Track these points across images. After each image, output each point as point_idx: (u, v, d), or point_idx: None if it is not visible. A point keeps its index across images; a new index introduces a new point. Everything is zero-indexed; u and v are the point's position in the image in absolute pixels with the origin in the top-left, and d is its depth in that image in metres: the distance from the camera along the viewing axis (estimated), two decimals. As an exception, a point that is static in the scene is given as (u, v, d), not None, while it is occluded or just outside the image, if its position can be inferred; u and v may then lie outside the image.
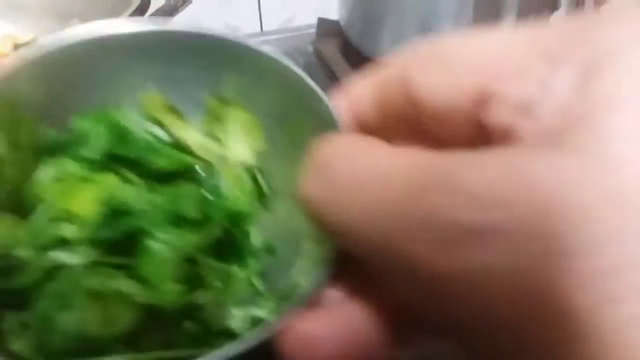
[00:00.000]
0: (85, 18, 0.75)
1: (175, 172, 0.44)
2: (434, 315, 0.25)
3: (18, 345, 0.35)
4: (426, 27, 0.74)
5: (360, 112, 0.38)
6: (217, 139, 0.48)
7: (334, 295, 0.35)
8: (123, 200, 0.36)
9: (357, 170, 0.26)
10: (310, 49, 0.87)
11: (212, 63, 0.45)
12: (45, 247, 0.36)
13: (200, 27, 0.44)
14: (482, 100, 0.28)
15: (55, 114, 0.44)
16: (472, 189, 0.20)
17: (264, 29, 0.96)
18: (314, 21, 0.88)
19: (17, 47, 0.80)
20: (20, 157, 0.40)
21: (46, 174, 0.40)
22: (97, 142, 0.39)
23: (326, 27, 0.88)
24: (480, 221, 0.20)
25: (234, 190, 0.47)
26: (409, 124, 0.34)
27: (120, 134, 0.40)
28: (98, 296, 0.35)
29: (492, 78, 0.27)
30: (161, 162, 0.41)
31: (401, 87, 0.32)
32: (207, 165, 0.47)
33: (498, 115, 0.27)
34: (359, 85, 0.38)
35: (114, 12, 0.65)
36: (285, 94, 0.44)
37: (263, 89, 0.46)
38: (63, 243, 0.36)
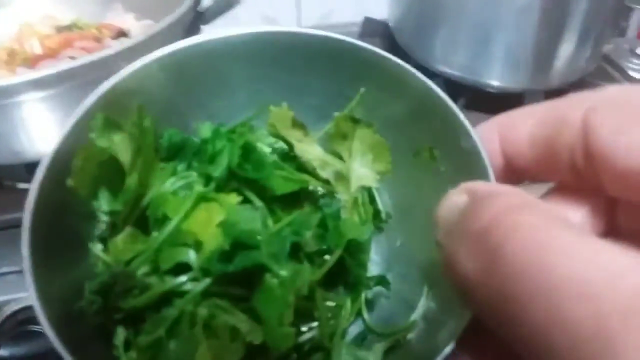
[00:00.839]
0: (127, 3, 0.72)
1: (295, 193, 0.42)
2: None
3: None
4: (483, 37, 0.68)
5: (512, 146, 0.34)
6: (340, 158, 0.45)
7: None
8: (246, 231, 0.33)
9: (536, 262, 0.22)
10: (352, 48, 0.82)
11: (340, 72, 0.42)
12: (164, 270, 0.35)
13: (334, 34, 0.41)
14: None
15: (176, 113, 0.43)
16: None
17: (301, 23, 0.89)
18: (355, 18, 0.81)
19: (58, 29, 0.74)
20: (143, 162, 0.39)
21: (169, 186, 0.39)
22: (226, 160, 0.37)
23: (372, 27, 0.81)
24: None
25: (353, 217, 0.44)
26: (573, 172, 0.29)
27: (248, 154, 0.37)
28: (211, 329, 0.33)
29: None
30: (283, 187, 0.39)
31: (578, 134, 0.27)
32: (328, 186, 0.44)
33: None
34: (517, 118, 0.34)
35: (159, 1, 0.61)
36: (419, 114, 0.41)
37: (394, 106, 0.43)
38: (182, 268, 0.35)
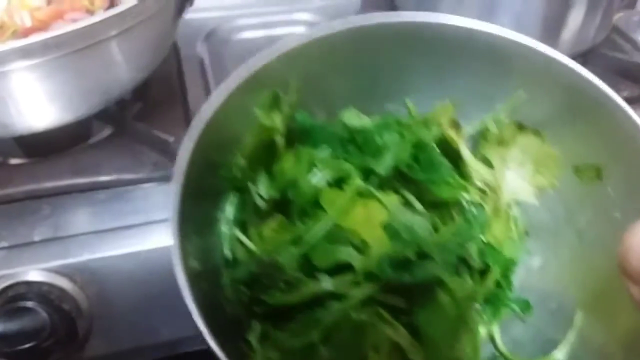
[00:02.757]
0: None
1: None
2: None
3: None
4: (489, 6, 0.64)
5: None
6: (491, 165, 0.41)
7: None
8: (421, 238, 0.30)
9: None
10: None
11: (484, 68, 0.38)
12: (319, 268, 0.32)
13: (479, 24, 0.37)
14: None
15: (317, 96, 0.40)
16: None
17: None
18: None
19: (48, 0, 0.68)
20: (294, 148, 0.36)
21: (321, 176, 0.36)
22: (394, 157, 0.33)
23: None
24: None
25: (502, 232, 0.40)
26: None
27: (420, 152, 0.34)
28: (373, 345, 0.30)
29: None
30: (448, 193, 0.35)
31: None
32: (482, 195, 0.40)
33: None
34: None
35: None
36: (583, 121, 0.36)
37: (547, 109, 0.38)
38: (337, 268, 0.32)
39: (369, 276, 0.31)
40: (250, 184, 0.33)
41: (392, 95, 0.41)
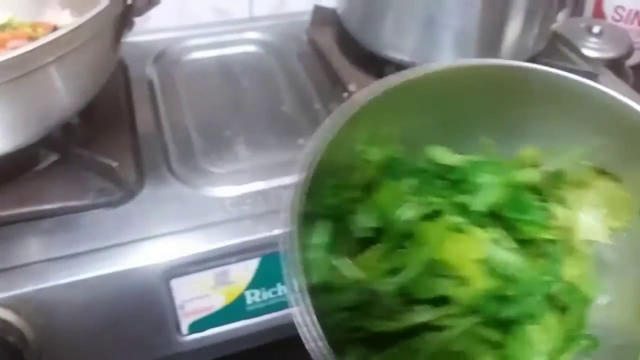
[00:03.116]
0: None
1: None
2: None
3: None
4: (431, 20, 0.66)
5: None
6: (566, 206, 0.43)
7: None
8: (514, 275, 0.32)
9: None
10: (305, 37, 0.78)
11: (570, 113, 0.40)
12: (417, 300, 0.34)
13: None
14: None
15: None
16: None
17: (254, 13, 0.85)
18: (308, 7, 0.80)
19: None
20: (391, 182, 0.38)
21: (415, 209, 0.38)
22: (489, 196, 0.35)
23: (322, 16, 0.78)
24: None
25: (577, 270, 0.42)
26: None
27: (513, 193, 0.36)
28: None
29: None
30: (538, 232, 0.37)
31: None
32: (559, 234, 0.42)
33: None
34: None
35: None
36: None
37: (628, 156, 0.40)
38: (438, 300, 0.34)
39: (469, 310, 0.33)
40: (351, 215, 0.35)
41: (470, 135, 0.43)
